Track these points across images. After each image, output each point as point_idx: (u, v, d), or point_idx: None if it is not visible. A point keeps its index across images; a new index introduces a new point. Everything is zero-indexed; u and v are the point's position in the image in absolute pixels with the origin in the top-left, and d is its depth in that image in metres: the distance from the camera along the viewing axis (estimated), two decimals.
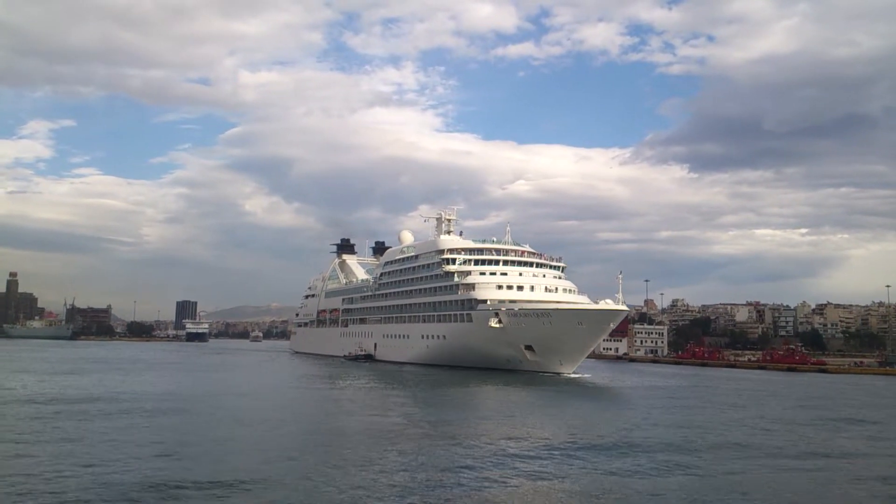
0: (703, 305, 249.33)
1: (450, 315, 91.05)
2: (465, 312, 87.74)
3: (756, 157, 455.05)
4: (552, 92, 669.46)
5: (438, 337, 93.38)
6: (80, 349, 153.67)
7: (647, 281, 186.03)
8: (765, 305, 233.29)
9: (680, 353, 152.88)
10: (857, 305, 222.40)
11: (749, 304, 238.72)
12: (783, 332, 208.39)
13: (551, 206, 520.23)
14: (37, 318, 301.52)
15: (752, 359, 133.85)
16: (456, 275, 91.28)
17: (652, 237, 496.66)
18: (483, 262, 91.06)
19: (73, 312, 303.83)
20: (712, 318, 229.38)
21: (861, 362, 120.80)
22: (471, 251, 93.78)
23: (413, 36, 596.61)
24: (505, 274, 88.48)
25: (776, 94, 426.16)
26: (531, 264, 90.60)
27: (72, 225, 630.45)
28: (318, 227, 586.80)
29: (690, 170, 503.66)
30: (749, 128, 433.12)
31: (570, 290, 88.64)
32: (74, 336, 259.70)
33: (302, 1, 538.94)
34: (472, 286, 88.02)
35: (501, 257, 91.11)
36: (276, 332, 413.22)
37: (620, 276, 79.86)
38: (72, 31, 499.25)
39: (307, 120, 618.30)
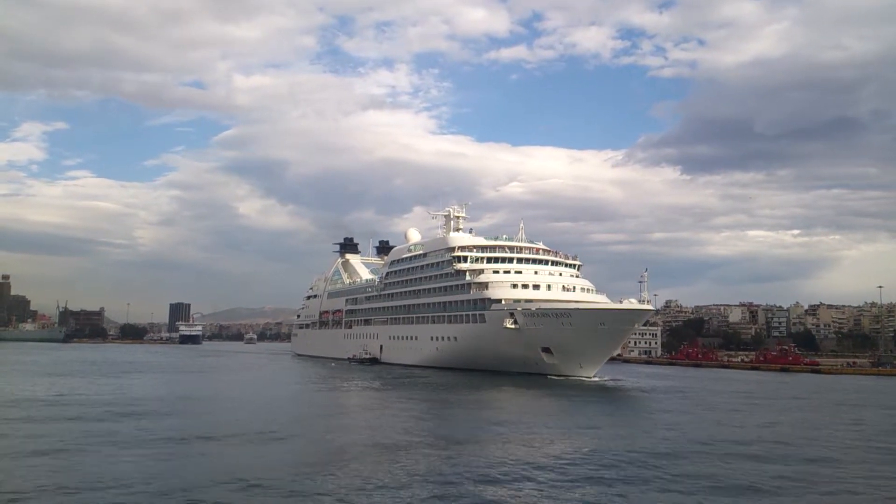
0: (697, 306, 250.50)
1: (461, 315, 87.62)
2: (477, 313, 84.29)
3: (747, 159, 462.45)
4: (545, 95, 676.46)
5: (449, 338, 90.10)
6: (75, 352, 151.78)
7: (640, 282, 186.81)
8: (758, 306, 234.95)
9: (674, 353, 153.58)
10: (849, 306, 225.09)
11: (742, 304, 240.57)
12: (776, 333, 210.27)
13: (545, 208, 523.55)
14: (29, 320, 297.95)
15: (746, 359, 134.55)
16: (468, 273, 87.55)
17: (645, 238, 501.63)
18: (496, 260, 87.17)
19: (65, 315, 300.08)
20: (706, 318, 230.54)
21: (854, 363, 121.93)
22: (483, 248, 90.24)
23: (406, 39, 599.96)
24: (520, 272, 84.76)
25: (766, 97, 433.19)
26: (546, 262, 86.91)
27: (65, 227, 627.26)
28: (312, 229, 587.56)
29: (683, 172, 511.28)
30: (740, 130, 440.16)
31: (588, 290, 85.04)
32: (67, 339, 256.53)
33: (296, 5, 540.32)
34: (485, 285, 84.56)
35: (515, 255, 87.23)
36: (270, 334, 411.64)
37: (646, 273, 77.11)
38: (67, 35, 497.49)
39: (301, 122, 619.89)
